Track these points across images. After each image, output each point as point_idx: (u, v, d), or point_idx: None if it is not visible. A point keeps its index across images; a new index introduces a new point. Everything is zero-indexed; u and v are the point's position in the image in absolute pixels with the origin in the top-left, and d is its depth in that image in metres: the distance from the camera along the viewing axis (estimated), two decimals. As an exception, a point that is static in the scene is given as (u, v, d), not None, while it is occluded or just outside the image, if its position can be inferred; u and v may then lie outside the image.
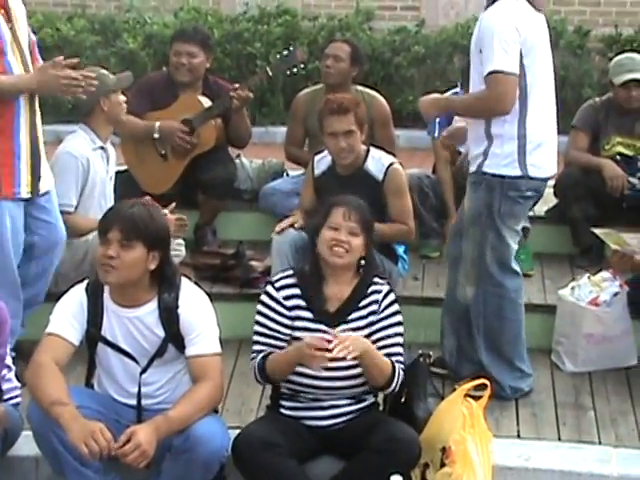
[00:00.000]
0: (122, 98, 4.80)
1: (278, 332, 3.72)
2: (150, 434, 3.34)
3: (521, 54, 4.06)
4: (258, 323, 3.78)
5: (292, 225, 4.73)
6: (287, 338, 3.73)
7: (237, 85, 5.38)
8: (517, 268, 4.35)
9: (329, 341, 3.47)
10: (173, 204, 4.70)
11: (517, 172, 4.15)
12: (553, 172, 4.31)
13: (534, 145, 4.15)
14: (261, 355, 3.71)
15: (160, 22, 9.49)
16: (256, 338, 3.76)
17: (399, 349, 3.73)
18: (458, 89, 5.57)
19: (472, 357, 4.38)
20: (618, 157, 5.48)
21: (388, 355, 3.68)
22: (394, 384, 3.68)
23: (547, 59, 4.24)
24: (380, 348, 3.69)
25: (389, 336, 3.73)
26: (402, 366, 3.72)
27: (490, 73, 4.03)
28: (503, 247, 4.25)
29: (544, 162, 4.21)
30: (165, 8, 10.02)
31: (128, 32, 9.39)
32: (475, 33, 4.16)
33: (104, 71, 4.78)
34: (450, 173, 5.47)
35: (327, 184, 4.69)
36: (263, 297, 3.81)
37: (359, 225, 3.73)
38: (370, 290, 3.77)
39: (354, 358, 3.54)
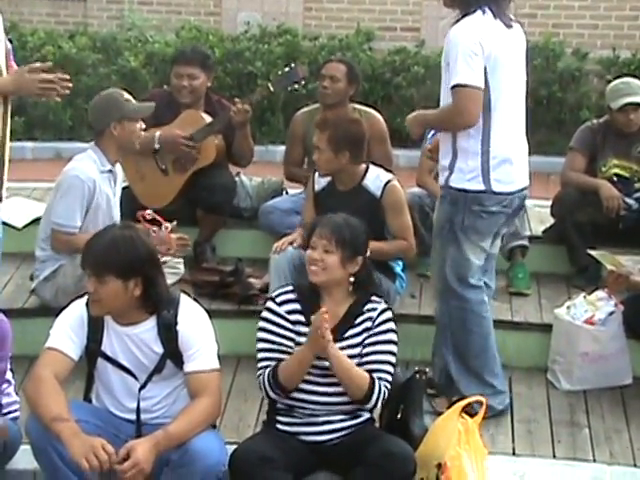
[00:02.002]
0: (138, 126, 4.73)
1: (284, 345, 3.74)
2: (149, 451, 3.36)
3: (485, 70, 4.07)
4: (262, 340, 3.78)
5: (291, 244, 4.77)
6: (293, 351, 3.74)
7: (237, 100, 5.42)
8: (479, 283, 4.33)
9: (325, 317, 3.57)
10: (174, 223, 4.73)
11: (481, 187, 4.16)
12: (521, 186, 4.28)
13: (498, 161, 4.16)
14: (270, 368, 3.72)
15: (161, 41, 9.55)
16: (262, 355, 3.76)
17: (386, 367, 3.73)
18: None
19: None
20: (615, 178, 5.52)
21: (372, 371, 3.69)
22: (374, 400, 3.67)
23: (516, 75, 4.23)
24: (366, 363, 3.70)
25: (377, 352, 3.73)
26: (387, 384, 3.71)
27: (454, 87, 4.06)
28: (463, 262, 4.25)
29: (509, 177, 4.21)
30: (167, 27, 10.09)
31: (129, 50, 9.43)
32: (444, 48, 4.18)
33: (128, 96, 4.75)
34: (431, 179, 5.53)
35: (326, 200, 4.74)
36: (265, 313, 3.82)
37: (331, 242, 3.74)
38: (366, 308, 3.80)
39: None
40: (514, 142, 4.25)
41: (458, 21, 4.13)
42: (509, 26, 4.17)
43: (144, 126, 4.81)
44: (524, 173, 4.31)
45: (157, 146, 5.40)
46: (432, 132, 5.35)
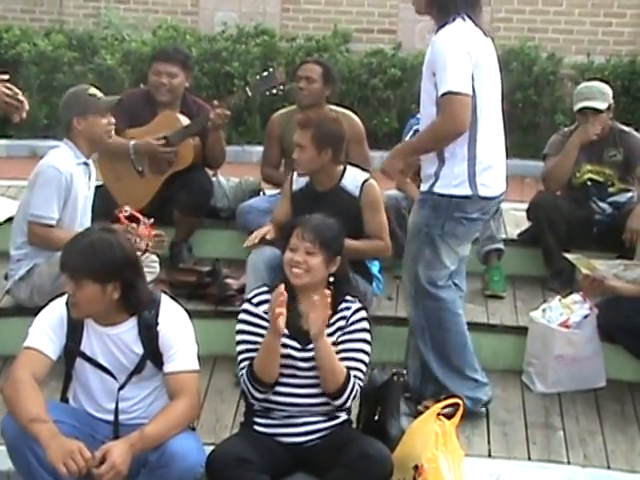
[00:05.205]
0: (105, 121, 4.70)
1: None
2: (125, 453, 3.34)
3: (472, 77, 4.09)
4: (241, 342, 3.78)
5: (264, 237, 4.75)
6: None
7: (216, 102, 5.42)
8: (447, 283, 4.35)
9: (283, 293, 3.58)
10: (151, 220, 4.72)
11: (467, 192, 4.18)
12: (501, 191, 4.33)
13: (484, 166, 4.20)
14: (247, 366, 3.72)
15: (138, 39, 9.51)
16: (242, 356, 3.75)
17: (359, 365, 3.74)
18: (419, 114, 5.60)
19: (435, 377, 4.40)
20: (589, 183, 5.57)
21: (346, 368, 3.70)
22: (346, 396, 3.68)
23: (495, 83, 4.28)
24: (339, 360, 3.70)
25: (350, 350, 3.74)
26: (359, 382, 3.72)
27: (444, 94, 4.06)
28: (437, 265, 4.28)
29: (493, 182, 4.25)
30: (143, 26, 10.06)
31: (106, 49, 9.39)
32: (427, 56, 4.18)
33: (94, 91, 4.73)
34: (410, 183, 5.52)
35: (304, 200, 4.74)
36: (243, 315, 3.82)
37: (314, 244, 3.74)
38: (340, 307, 3.80)
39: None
40: (496, 147, 4.29)
41: (439, 29, 4.14)
42: (486, 35, 4.22)
43: (113, 120, 4.76)
44: (503, 178, 4.35)
45: (132, 155, 5.39)
46: (411, 133, 5.37)
